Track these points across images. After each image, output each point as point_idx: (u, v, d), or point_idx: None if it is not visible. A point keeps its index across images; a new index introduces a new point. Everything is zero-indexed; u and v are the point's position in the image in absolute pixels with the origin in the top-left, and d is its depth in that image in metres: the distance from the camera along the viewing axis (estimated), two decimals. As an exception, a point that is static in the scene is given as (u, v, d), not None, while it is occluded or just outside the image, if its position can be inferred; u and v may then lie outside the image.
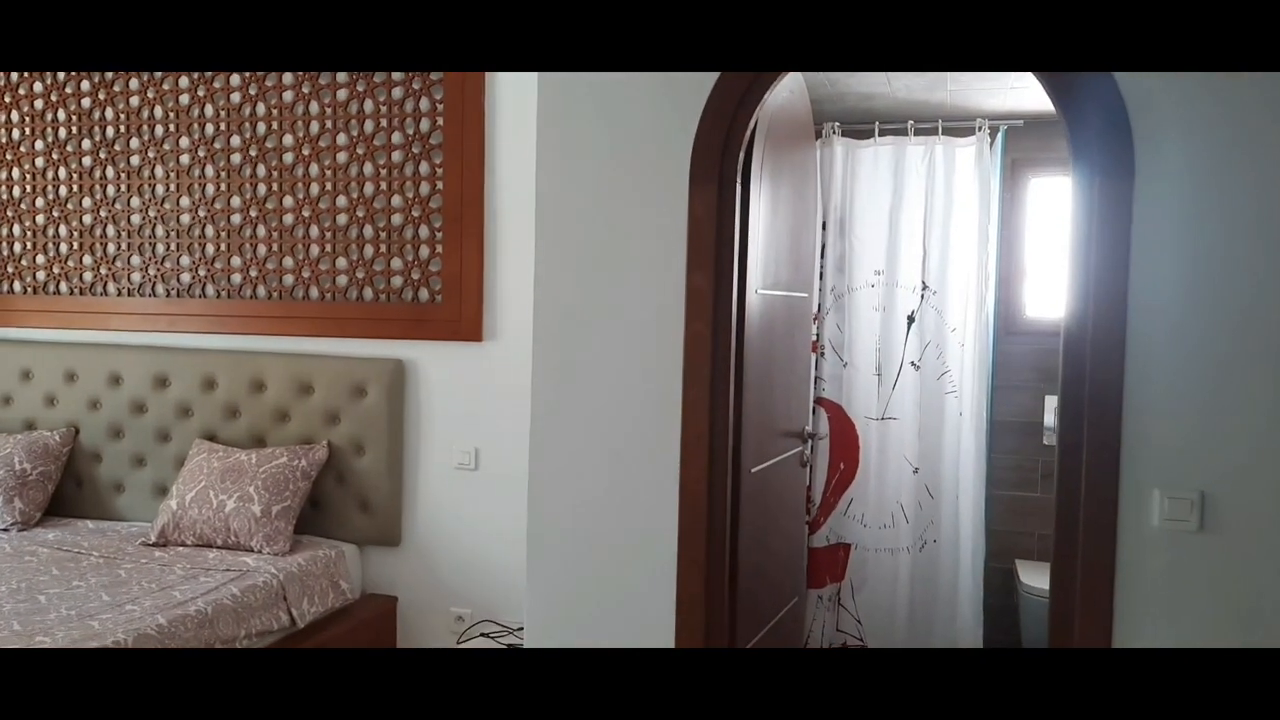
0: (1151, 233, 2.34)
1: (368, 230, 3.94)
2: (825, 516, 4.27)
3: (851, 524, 4.26)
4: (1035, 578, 4.16)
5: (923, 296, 4.17)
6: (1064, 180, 4.44)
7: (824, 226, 4.22)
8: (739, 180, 2.64)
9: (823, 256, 4.23)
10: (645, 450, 2.67)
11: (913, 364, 4.19)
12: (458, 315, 3.84)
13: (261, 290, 4.08)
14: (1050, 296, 4.48)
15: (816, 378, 4.23)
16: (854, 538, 4.26)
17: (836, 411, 4.26)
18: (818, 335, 4.22)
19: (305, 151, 3.98)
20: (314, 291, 4.03)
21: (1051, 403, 4.49)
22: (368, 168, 3.92)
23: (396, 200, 3.90)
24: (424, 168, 3.86)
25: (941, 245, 4.13)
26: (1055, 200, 4.49)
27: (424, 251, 3.89)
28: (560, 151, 2.73)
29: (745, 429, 2.75)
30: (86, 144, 4.22)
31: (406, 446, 3.95)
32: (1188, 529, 2.35)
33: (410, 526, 3.97)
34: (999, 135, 4.16)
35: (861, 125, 4.24)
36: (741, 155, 2.65)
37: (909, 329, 4.18)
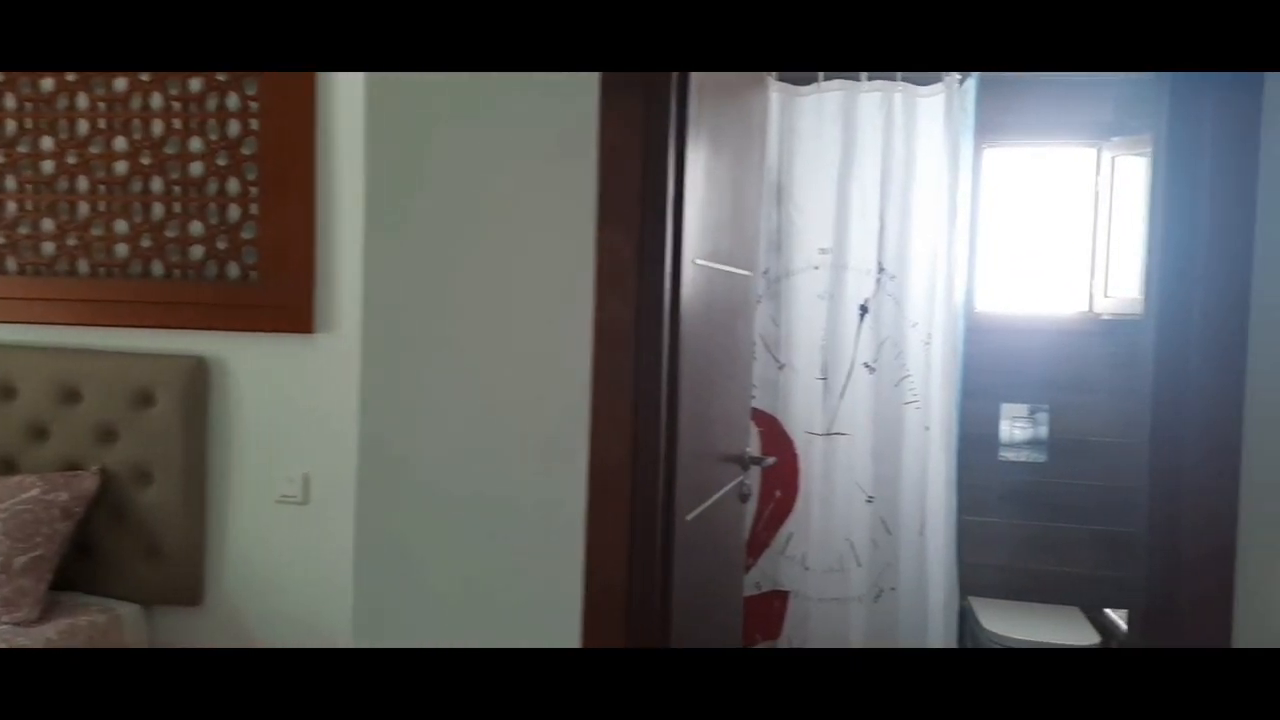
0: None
1: (156, 184, 2.94)
2: (756, 556, 3.44)
3: (790, 566, 3.44)
4: (998, 620, 3.46)
5: (878, 282, 3.38)
6: (1028, 152, 3.88)
7: (756, 193, 3.39)
8: (674, 96, 1.77)
9: (755, 231, 3.40)
10: (531, 495, 1.78)
11: (866, 366, 3.39)
12: (280, 298, 2.88)
13: (11, 263, 3.03)
14: (1009, 288, 3.87)
15: (745, 383, 3.40)
16: (793, 583, 3.44)
17: (771, 425, 3.43)
18: (747, 329, 3.38)
19: (70, 77, 2.95)
20: (82, 265, 3.00)
21: (1008, 411, 3.81)
22: (156, 99, 2.92)
23: (196, 144, 2.92)
24: (233, 100, 2.89)
25: (901, 218, 3.35)
26: (1020, 175, 3.89)
27: (233, 213, 2.92)
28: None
29: (681, 457, 1.88)
30: None
31: (211, 473, 2.98)
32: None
33: (215, 579, 3.00)
34: (970, 84, 3.40)
35: (802, 68, 3.42)
36: (676, 60, 1.77)
37: (861, 322, 3.39)
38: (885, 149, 3.35)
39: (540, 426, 1.77)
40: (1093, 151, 3.90)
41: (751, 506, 3.42)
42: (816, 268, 3.40)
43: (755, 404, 3.44)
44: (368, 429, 1.88)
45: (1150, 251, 1.73)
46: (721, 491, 2.31)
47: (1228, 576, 1.63)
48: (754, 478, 3.35)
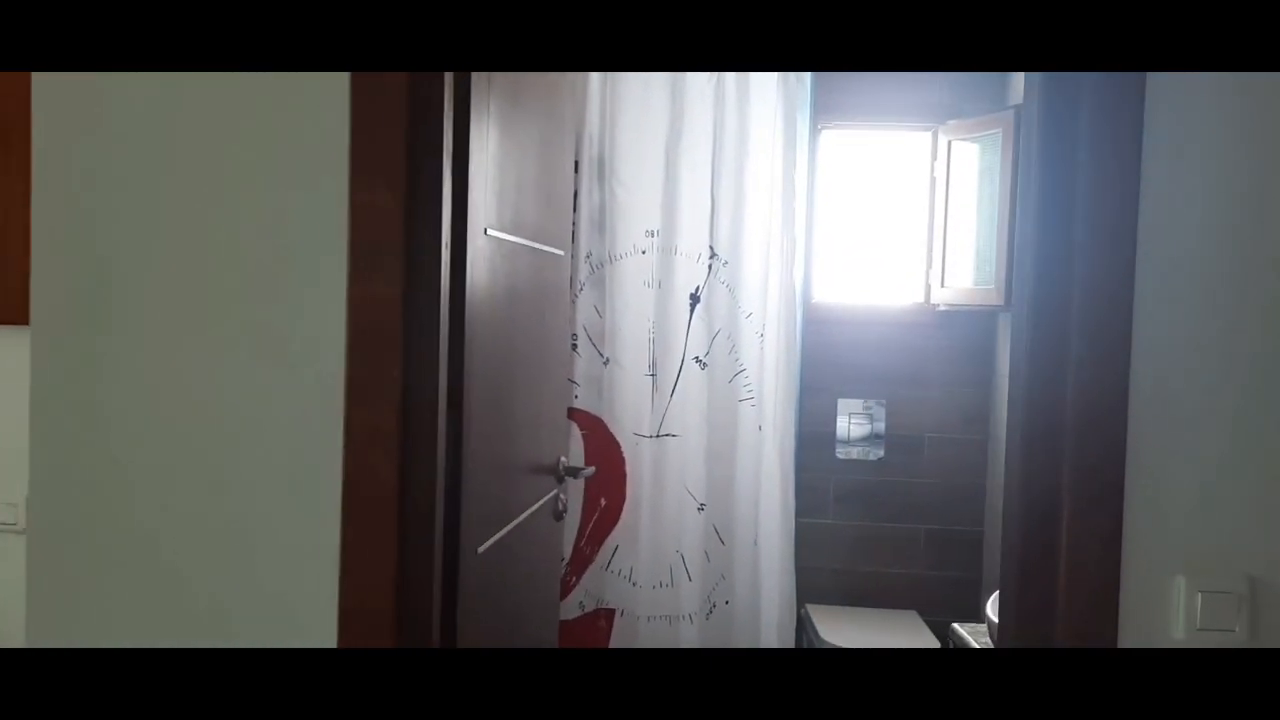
0: (1177, 148, 1.36)
1: None
2: (579, 574, 3.10)
3: (616, 582, 3.11)
4: (836, 629, 3.25)
5: (710, 268, 3.09)
6: (863, 135, 3.71)
7: (575, 168, 3.04)
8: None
9: (574, 210, 3.04)
10: (270, 529, 1.37)
11: (697, 361, 3.09)
12: (-11, 283, 2.34)
13: None
14: (843, 278, 3.70)
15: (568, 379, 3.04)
16: (619, 601, 3.11)
17: (595, 427, 3.09)
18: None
19: None
20: None
21: (845, 407, 3.61)
22: None
23: (-126, 90, 2.34)
24: (-76, 35, 2.32)
25: (734, 198, 3.07)
26: (855, 160, 3.72)
27: (-73, 177, 2.36)
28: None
29: (469, 478, 1.51)
30: None
31: (-100, 499, 2.42)
32: (1232, 642, 1.39)
33: (-90, 630, 2.43)
34: (808, 56, 3.15)
35: (627, 33, 3.09)
36: None
37: (692, 312, 3.09)
38: (717, 123, 3.06)
39: (278, 442, 1.36)
40: (928, 135, 3.75)
41: (575, 518, 3.07)
42: (644, 252, 3.08)
43: (578, 404, 3.09)
44: (40, 445, 1.42)
45: (1020, 237, 1.48)
46: (529, 511, 1.95)
47: (1113, 575, 1.39)
48: (575, 489, 3.01)
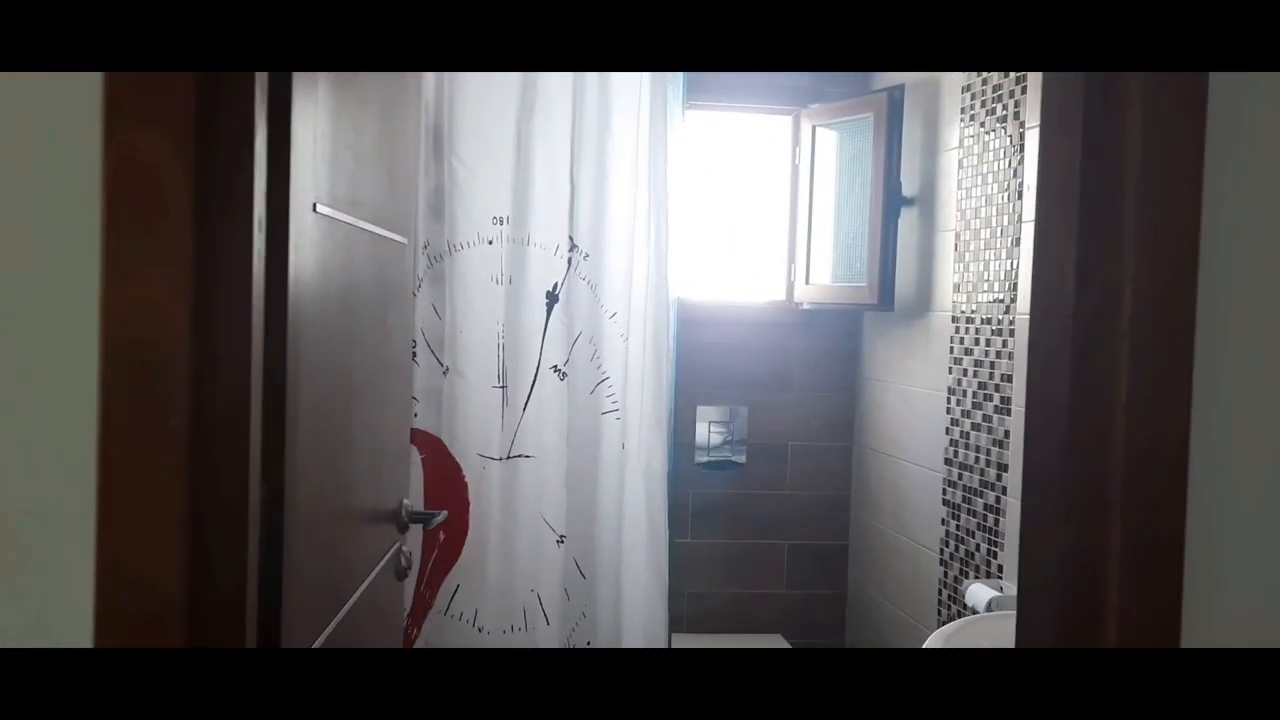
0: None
1: None
2: (419, 624, 2.62)
3: (459, 628, 2.65)
4: (700, 661, 2.89)
5: (570, 262, 2.68)
6: (725, 118, 3.46)
7: (410, 143, 2.55)
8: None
9: (409, 192, 2.56)
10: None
11: (555, 369, 2.67)
12: None
13: None
14: (703, 273, 3.41)
15: (398, 393, 2.56)
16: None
17: (434, 449, 2.62)
18: (400, 323, 2.53)
19: None
20: None
21: (705, 414, 3.35)
22: None
23: None
24: None
25: (596, 181, 2.67)
26: (718, 145, 3.47)
27: None
28: None
29: (293, 555, 1.06)
30: None
31: None
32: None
33: None
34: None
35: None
36: None
37: (549, 313, 2.66)
38: (577, 94, 2.65)
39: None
40: (789, 120, 3.48)
41: (414, 557, 2.59)
42: (490, 242, 2.63)
43: (415, 422, 2.62)
44: None
45: (1044, 237, 1.16)
46: (369, 579, 1.49)
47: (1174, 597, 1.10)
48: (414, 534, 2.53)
